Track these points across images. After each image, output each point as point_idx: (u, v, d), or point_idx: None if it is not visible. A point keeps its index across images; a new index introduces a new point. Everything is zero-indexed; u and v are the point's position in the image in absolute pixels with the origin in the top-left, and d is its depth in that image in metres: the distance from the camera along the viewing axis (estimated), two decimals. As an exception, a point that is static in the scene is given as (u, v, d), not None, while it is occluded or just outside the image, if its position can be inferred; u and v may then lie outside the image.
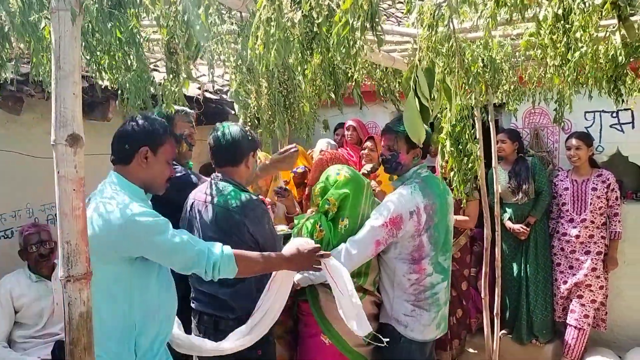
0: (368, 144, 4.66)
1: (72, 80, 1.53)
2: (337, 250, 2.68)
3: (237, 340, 2.34)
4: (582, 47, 1.73)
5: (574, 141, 4.54)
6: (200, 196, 2.54)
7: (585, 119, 4.77)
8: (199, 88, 4.89)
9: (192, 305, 2.60)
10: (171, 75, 1.86)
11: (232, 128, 2.51)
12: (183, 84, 1.90)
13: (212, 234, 2.41)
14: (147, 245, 1.95)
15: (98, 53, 2.27)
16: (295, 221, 2.93)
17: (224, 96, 5.10)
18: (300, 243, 2.30)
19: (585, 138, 4.53)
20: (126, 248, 1.94)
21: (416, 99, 1.62)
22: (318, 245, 2.31)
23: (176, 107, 2.97)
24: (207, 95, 4.96)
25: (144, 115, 2.09)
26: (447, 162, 1.95)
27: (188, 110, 3.04)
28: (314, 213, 2.84)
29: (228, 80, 5.22)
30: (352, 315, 2.24)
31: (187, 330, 2.58)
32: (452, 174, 1.90)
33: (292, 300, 2.94)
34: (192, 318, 2.62)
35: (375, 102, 4.58)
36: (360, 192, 2.80)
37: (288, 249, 2.29)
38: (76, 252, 1.54)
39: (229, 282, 2.35)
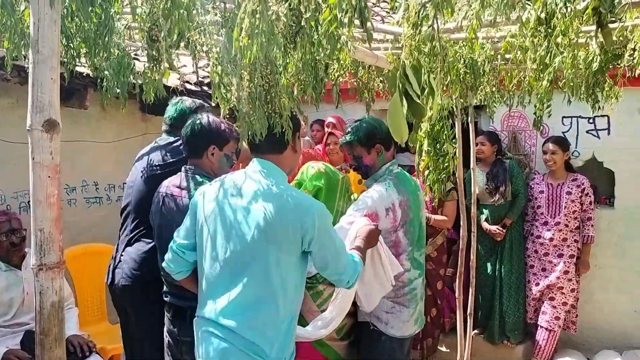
0: (332, 139, 4.60)
1: (50, 64, 1.50)
2: None
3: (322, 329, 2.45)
4: (562, 51, 1.75)
5: (550, 146, 4.60)
6: (174, 189, 2.52)
7: (563, 123, 4.84)
8: (179, 79, 4.85)
9: (165, 299, 2.56)
10: (152, 64, 1.83)
11: (197, 120, 2.51)
12: (164, 73, 1.87)
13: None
14: (326, 239, 2.00)
15: (77, 39, 2.23)
16: None
17: (205, 88, 5.06)
18: (366, 224, 2.46)
19: (562, 143, 4.60)
20: (310, 238, 1.96)
21: (403, 98, 1.62)
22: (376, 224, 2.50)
23: (195, 103, 2.96)
24: (188, 86, 4.91)
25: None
26: (422, 160, 1.96)
27: (206, 105, 3.06)
28: None
29: (209, 72, 5.18)
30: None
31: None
32: (426, 172, 1.91)
33: None
34: (166, 312, 2.58)
35: (356, 99, 4.57)
36: (334, 187, 2.82)
37: (363, 233, 2.40)
38: (49, 240, 1.51)
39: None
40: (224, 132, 2.56)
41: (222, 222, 2.01)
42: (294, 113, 2.38)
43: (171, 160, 2.83)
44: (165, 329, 2.59)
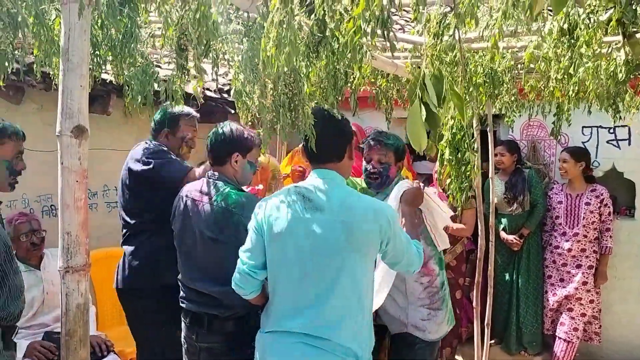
0: None
1: (79, 72, 1.54)
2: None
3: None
4: (586, 62, 1.75)
5: (561, 155, 4.60)
6: (195, 194, 2.54)
7: (583, 133, 4.81)
8: (200, 86, 4.89)
9: (182, 305, 2.57)
10: (180, 72, 1.87)
11: (223, 128, 2.55)
12: (197, 82, 1.91)
13: (208, 232, 2.43)
14: (398, 237, 2.05)
15: (103, 47, 2.28)
16: None
17: (225, 95, 5.11)
18: (407, 186, 2.55)
19: (575, 153, 4.56)
20: (387, 239, 2.02)
21: (422, 106, 1.64)
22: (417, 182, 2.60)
23: (183, 110, 2.99)
24: (208, 93, 4.96)
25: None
26: (444, 169, 1.97)
27: (194, 113, 3.07)
28: None
29: (230, 80, 5.23)
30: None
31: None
32: (448, 181, 1.92)
33: None
34: (183, 319, 2.59)
35: (375, 107, 4.59)
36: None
37: (407, 198, 2.51)
38: (76, 243, 1.55)
39: (222, 280, 2.36)
40: (247, 140, 2.59)
41: (302, 236, 2.00)
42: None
43: (146, 159, 2.88)
44: (182, 335, 2.61)
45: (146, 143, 3.01)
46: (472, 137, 1.89)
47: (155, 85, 2.53)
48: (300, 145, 2.18)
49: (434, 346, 2.91)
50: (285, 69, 1.58)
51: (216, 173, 2.55)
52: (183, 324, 2.58)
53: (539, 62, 1.94)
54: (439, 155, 1.97)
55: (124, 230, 3.00)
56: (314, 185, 2.07)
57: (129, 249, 2.95)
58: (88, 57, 1.57)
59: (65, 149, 1.54)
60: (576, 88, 1.87)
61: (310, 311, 2.00)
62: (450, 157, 1.78)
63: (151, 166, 2.82)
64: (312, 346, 1.99)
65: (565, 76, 1.81)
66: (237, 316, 2.43)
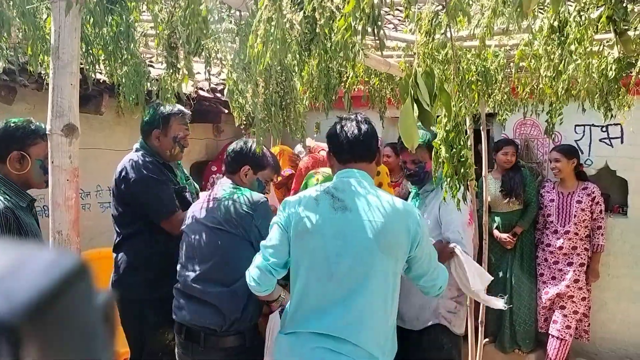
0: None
1: (70, 70, 1.54)
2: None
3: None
4: (576, 59, 1.76)
5: (553, 154, 4.62)
6: (202, 202, 2.58)
7: (575, 132, 4.83)
8: (193, 85, 4.89)
9: (175, 317, 2.48)
10: (171, 70, 1.86)
11: (247, 143, 2.61)
12: (182, 79, 1.90)
13: (214, 224, 2.42)
14: (426, 242, 2.05)
15: (95, 46, 2.27)
16: None
17: (218, 95, 5.10)
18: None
19: (565, 151, 4.58)
20: (418, 241, 2.01)
21: (414, 105, 1.64)
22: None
23: (173, 108, 2.95)
24: (201, 93, 4.95)
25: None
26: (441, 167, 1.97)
27: (185, 111, 3.03)
28: None
29: (223, 80, 5.23)
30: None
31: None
32: (447, 180, 1.92)
33: None
34: (177, 334, 2.51)
35: (368, 107, 4.60)
36: None
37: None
38: (67, 242, 1.54)
39: (222, 280, 2.35)
40: (263, 158, 2.62)
41: (330, 236, 1.99)
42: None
43: (139, 177, 2.80)
44: (177, 351, 2.54)
45: (136, 155, 2.91)
46: (466, 134, 1.89)
47: (148, 84, 2.53)
48: (327, 144, 2.20)
49: (458, 341, 2.94)
50: (276, 66, 1.58)
51: (228, 178, 2.62)
52: (177, 340, 2.52)
53: (530, 59, 1.94)
54: (433, 153, 1.96)
55: (115, 236, 2.97)
56: (344, 185, 2.06)
57: (118, 254, 2.92)
58: (78, 56, 1.57)
59: (56, 148, 1.54)
60: (565, 85, 1.87)
61: (335, 312, 1.97)
62: (446, 155, 1.78)
63: (136, 198, 2.79)
64: (331, 350, 1.96)
65: (556, 74, 1.82)
66: (236, 332, 2.38)
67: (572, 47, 1.72)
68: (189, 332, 2.42)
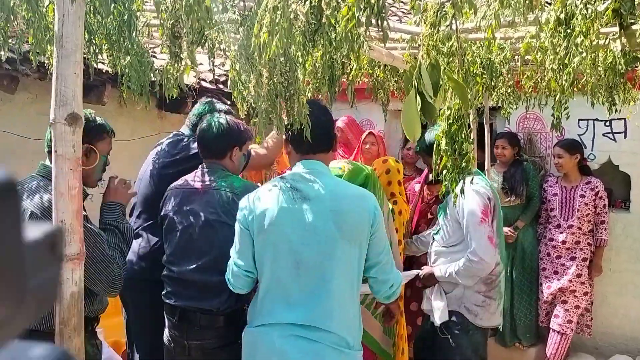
0: (369, 138, 4.69)
1: (73, 59, 1.53)
2: (459, 265, 2.87)
3: None
4: (582, 52, 1.75)
5: (556, 149, 4.61)
6: (191, 184, 2.49)
7: (579, 126, 4.81)
8: (195, 77, 4.88)
9: (169, 301, 2.45)
10: (174, 60, 1.86)
11: (218, 120, 2.50)
12: (184, 69, 1.90)
13: (214, 216, 2.38)
14: (381, 228, 2.06)
15: (98, 35, 2.26)
16: None
17: (221, 86, 5.09)
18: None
19: (568, 146, 4.57)
20: (376, 226, 2.02)
21: (417, 97, 1.63)
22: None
23: (218, 106, 2.95)
24: (204, 84, 4.94)
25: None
26: (441, 159, 1.96)
27: (222, 107, 3.01)
28: None
29: (226, 71, 5.22)
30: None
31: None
32: (444, 172, 1.91)
33: None
34: (169, 316, 2.47)
35: (371, 99, 4.59)
36: (368, 182, 2.83)
37: None
38: (70, 231, 1.54)
39: (222, 268, 2.34)
40: (244, 132, 2.56)
41: (291, 227, 2.00)
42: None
43: (181, 157, 2.82)
44: (166, 334, 2.50)
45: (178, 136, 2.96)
46: (469, 127, 1.88)
47: (152, 75, 2.52)
48: (283, 136, 2.18)
49: (485, 333, 3.09)
50: (280, 56, 1.57)
51: (212, 164, 2.52)
52: (168, 322, 2.48)
53: (536, 51, 1.93)
54: (434, 146, 1.95)
55: (145, 223, 2.95)
56: (302, 175, 2.07)
57: (149, 242, 2.90)
58: (82, 44, 1.56)
59: (59, 137, 1.54)
60: (570, 78, 1.86)
61: (305, 302, 2.00)
62: (447, 148, 1.78)
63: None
64: (305, 338, 1.99)
65: (561, 66, 1.81)
66: (228, 311, 2.38)
67: (578, 40, 1.71)
68: (183, 313, 2.40)
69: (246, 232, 2.09)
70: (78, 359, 1.59)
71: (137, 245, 2.88)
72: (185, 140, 2.90)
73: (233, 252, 2.16)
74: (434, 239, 3.22)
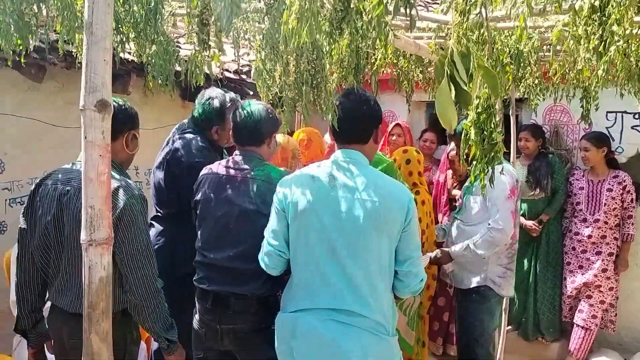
0: (396, 130, 4.68)
1: (103, 46, 1.53)
2: (477, 237, 3.15)
3: None
4: (617, 40, 1.71)
5: (583, 142, 4.53)
6: (225, 170, 2.48)
7: (607, 119, 4.71)
8: (219, 67, 4.89)
9: (202, 286, 2.45)
10: (201, 47, 1.86)
11: (255, 107, 2.47)
12: (212, 57, 1.90)
13: (252, 206, 2.37)
14: (414, 223, 2.09)
15: (125, 24, 2.27)
16: None
17: (244, 76, 5.10)
18: None
19: (596, 139, 4.48)
20: (409, 219, 2.05)
21: (451, 85, 1.61)
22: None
23: (225, 99, 2.93)
24: (227, 74, 4.96)
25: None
26: (469, 149, 1.93)
27: (235, 97, 2.98)
28: None
29: (249, 62, 5.23)
30: None
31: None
32: (474, 162, 1.89)
33: None
34: (201, 302, 2.48)
35: (394, 90, 4.56)
36: (388, 173, 2.83)
37: None
38: (99, 216, 1.55)
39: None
40: (277, 119, 2.54)
41: (327, 214, 2.03)
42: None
43: (195, 161, 2.77)
44: (197, 319, 2.51)
45: (192, 138, 2.90)
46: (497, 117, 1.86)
47: (177, 65, 2.53)
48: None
49: (502, 301, 3.53)
50: (307, 43, 1.56)
51: (247, 150, 2.49)
52: (200, 307, 2.49)
53: (568, 40, 1.89)
54: (462, 135, 1.93)
55: (155, 214, 2.99)
56: (339, 164, 2.09)
57: (156, 229, 2.94)
58: (111, 31, 1.56)
59: (89, 123, 1.54)
60: (606, 67, 1.81)
61: (340, 288, 2.02)
62: (476, 137, 1.75)
63: (186, 182, 2.73)
64: (342, 322, 2.02)
65: (595, 55, 1.77)
66: (262, 297, 2.39)
67: (614, 28, 1.67)
68: (216, 299, 2.41)
69: (282, 214, 2.13)
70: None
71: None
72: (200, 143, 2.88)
73: (267, 231, 2.19)
74: (455, 219, 3.48)
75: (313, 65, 1.74)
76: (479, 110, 1.75)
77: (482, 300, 3.31)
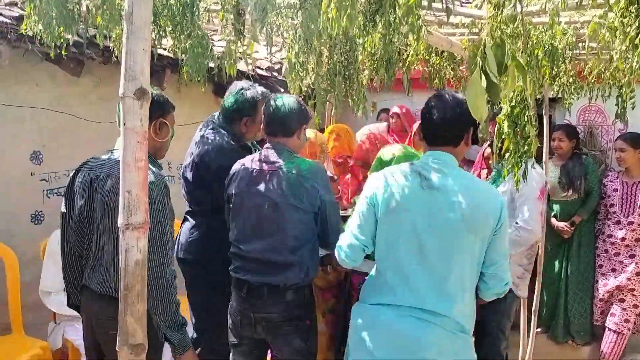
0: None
1: (142, 35, 1.57)
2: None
3: None
4: (655, 30, 1.68)
5: (618, 143, 4.44)
6: (257, 164, 2.50)
7: (643, 119, 4.61)
8: (251, 64, 4.95)
9: (237, 275, 2.52)
10: (237, 37, 1.89)
11: (287, 99, 2.47)
12: (248, 45, 1.93)
13: (283, 199, 2.40)
14: (506, 226, 2.10)
15: (162, 18, 2.33)
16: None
17: (275, 74, 5.15)
18: None
19: (632, 140, 4.38)
20: (500, 224, 2.07)
21: (482, 76, 1.61)
22: None
23: (257, 91, 2.92)
24: (259, 72, 5.01)
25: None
26: (502, 144, 1.93)
27: (267, 91, 2.95)
28: None
29: (281, 59, 5.27)
30: None
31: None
32: (507, 155, 1.88)
33: (338, 281, 2.99)
34: (236, 290, 2.53)
35: (426, 89, 4.54)
36: None
37: None
38: (136, 201, 1.59)
39: (294, 249, 2.41)
40: (309, 112, 2.51)
41: (419, 213, 2.04)
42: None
43: (223, 165, 2.72)
44: (233, 308, 2.56)
45: (219, 137, 2.85)
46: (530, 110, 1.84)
47: (211, 63, 2.57)
48: (417, 124, 2.22)
49: (518, 302, 3.52)
50: (340, 35, 1.58)
51: (277, 143, 2.50)
52: (236, 296, 2.55)
53: (604, 33, 1.87)
54: (496, 129, 1.92)
55: (189, 209, 3.03)
56: (430, 165, 2.10)
57: (190, 223, 2.98)
58: (150, 21, 1.61)
59: (128, 111, 1.58)
60: (640, 60, 1.79)
61: (426, 287, 2.04)
62: (509, 131, 1.75)
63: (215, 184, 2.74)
64: (424, 320, 2.03)
65: (631, 47, 1.74)
66: (297, 287, 2.43)
67: (652, 19, 1.65)
68: (251, 288, 2.46)
69: (372, 209, 2.13)
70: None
71: (185, 230, 2.98)
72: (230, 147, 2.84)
73: (353, 224, 2.19)
74: None
75: (346, 57, 1.76)
76: (513, 103, 1.75)
77: (500, 300, 3.17)
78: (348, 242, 2.19)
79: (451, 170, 2.07)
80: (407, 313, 2.05)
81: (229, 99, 2.87)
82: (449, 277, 2.02)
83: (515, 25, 1.80)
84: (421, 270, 2.04)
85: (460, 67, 3.74)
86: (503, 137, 1.78)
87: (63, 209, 2.40)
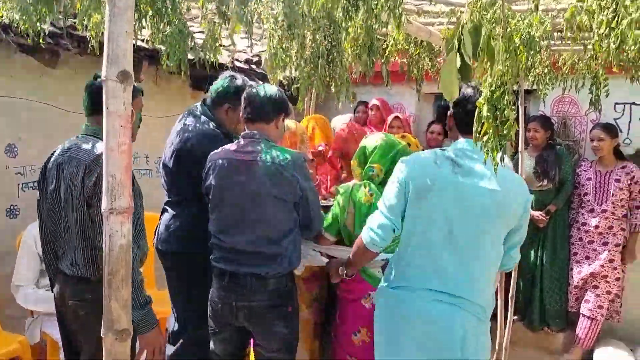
0: (395, 122, 4.71)
1: (125, 17, 1.56)
2: None
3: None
4: (631, 13, 1.72)
5: (596, 132, 4.52)
6: (235, 154, 2.48)
7: (615, 110, 4.73)
8: (229, 56, 4.93)
9: (218, 265, 2.50)
10: (221, 19, 1.89)
11: (269, 86, 2.49)
12: (233, 28, 1.93)
13: (262, 189, 2.39)
14: (527, 218, 2.20)
15: (142, 1, 2.30)
16: (341, 190, 2.85)
17: (254, 66, 5.14)
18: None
19: (609, 129, 4.49)
20: (525, 210, 2.15)
21: (457, 57, 1.64)
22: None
23: (245, 81, 2.89)
24: (238, 64, 4.99)
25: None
26: (482, 127, 1.95)
27: (254, 84, 2.96)
28: (355, 183, 2.83)
29: (259, 52, 5.26)
30: None
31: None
32: (485, 138, 1.91)
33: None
34: (218, 279, 2.53)
35: (403, 82, 4.57)
36: (405, 154, 2.85)
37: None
38: (120, 185, 1.58)
39: (276, 238, 2.43)
40: (287, 101, 2.52)
41: (450, 198, 2.07)
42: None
43: (207, 151, 2.67)
44: (213, 296, 2.55)
45: (204, 124, 2.83)
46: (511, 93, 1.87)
47: (190, 55, 2.54)
48: (450, 110, 2.24)
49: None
50: (329, 14, 1.59)
51: (255, 132, 2.49)
52: (217, 284, 2.53)
53: (581, 14, 1.90)
54: (476, 112, 1.95)
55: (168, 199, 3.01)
56: (463, 152, 2.14)
57: (170, 214, 2.96)
58: (133, 3, 1.59)
59: (111, 94, 1.57)
60: (617, 42, 1.82)
61: (453, 271, 2.08)
62: (488, 114, 1.78)
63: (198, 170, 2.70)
64: (448, 304, 2.07)
65: (608, 30, 1.79)
66: (278, 275, 2.44)
67: (627, 2, 1.69)
68: (233, 276, 2.45)
69: (402, 191, 2.16)
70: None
71: (164, 220, 2.95)
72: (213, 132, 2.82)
73: (383, 205, 2.22)
74: None
75: (329, 40, 1.76)
76: (493, 87, 1.77)
77: None
78: (379, 222, 2.20)
79: (482, 157, 2.06)
80: (431, 297, 2.09)
81: (218, 82, 2.86)
82: (477, 263, 2.08)
83: (494, 10, 1.83)
84: (448, 254, 2.08)
85: (438, 59, 3.77)
86: (482, 121, 1.81)
87: (38, 197, 2.45)
